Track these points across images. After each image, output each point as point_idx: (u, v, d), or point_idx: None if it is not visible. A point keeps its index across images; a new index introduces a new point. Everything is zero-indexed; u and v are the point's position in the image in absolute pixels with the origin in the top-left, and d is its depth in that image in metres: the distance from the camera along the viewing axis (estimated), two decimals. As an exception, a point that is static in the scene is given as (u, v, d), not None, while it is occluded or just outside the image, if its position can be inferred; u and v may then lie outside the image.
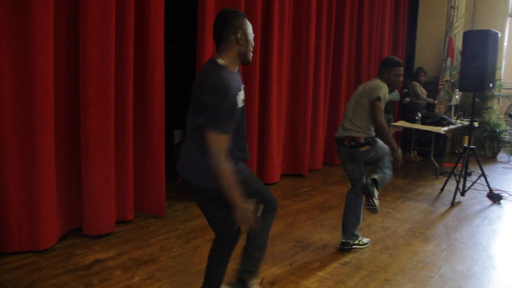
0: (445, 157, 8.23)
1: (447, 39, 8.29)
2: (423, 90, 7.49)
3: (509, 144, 8.33)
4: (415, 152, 7.80)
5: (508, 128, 8.56)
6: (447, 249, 3.86)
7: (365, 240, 3.86)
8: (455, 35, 8.33)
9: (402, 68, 3.62)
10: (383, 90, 3.53)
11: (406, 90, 7.66)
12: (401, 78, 3.66)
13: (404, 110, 7.82)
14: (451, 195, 5.34)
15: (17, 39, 3.14)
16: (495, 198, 5.41)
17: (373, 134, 3.63)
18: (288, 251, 3.67)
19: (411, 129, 6.82)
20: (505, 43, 8.71)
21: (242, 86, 2.24)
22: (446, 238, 4.13)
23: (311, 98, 6.24)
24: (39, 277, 3.02)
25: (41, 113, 3.26)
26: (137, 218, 4.22)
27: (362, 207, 3.78)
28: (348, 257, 3.59)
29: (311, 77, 6.15)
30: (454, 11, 8.42)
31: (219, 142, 2.04)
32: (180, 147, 2.38)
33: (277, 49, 5.52)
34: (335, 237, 4.00)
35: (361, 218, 3.81)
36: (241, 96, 2.18)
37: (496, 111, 8.53)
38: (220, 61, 2.17)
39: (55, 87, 3.39)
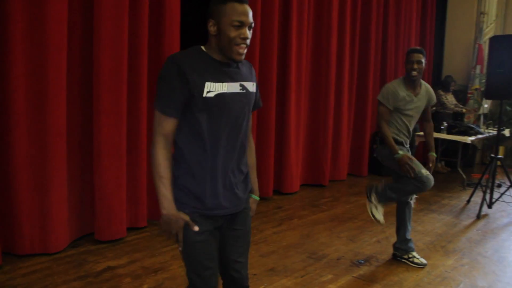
0: (475, 167, 7.97)
1: (477, 46, 8.06)
2: (449, 99, 7.26)
3: (543, 155, 8.00)
4: (443, 162, 7.57)
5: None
6: (468, 263, 3.70)
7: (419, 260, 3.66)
8: (484, 42, 8.08)
9: (416, 55, 3.45)
10: (383, 91, 3.56)
11: (432, 99, 7.45)
12: (415, 66, 3.44)
13: (431, 119, 7.60)
14: (478, 207, 5.13)
15: (31, 49, 3.23)
16: (525, 211, 5.18)
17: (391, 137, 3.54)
18: (301, 262, 3.60)
19: (437, 139, 6.60)
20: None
21: (233, 82, 1.84)
22: (469, 252, 3.96)
23: (333, 107, 6.14)
24: (50, 283, 3.06)
25: (54, 120, 3.35)
26: (153, 227, 4.23)
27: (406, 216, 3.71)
28: (362, 270, 3.49)
29: (332, 85, 6.06)
30: (483, 17, 8.18)
31: (157, 122, 1.79)
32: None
33: (296, 54, 5.46)
34: (351, 249, 3.91)
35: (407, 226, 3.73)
36: (213, 86, 1.76)
37: (530, 120, 8.21)
38: (203, 48, 1.85)
39: (68, 96, 3.47)
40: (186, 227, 1.82)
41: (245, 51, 1.79)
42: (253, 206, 2.08)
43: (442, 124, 6.37)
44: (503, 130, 6.30)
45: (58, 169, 3.41)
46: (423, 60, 3.46)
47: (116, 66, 3.60)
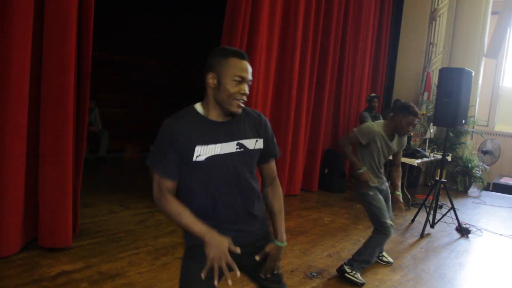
0: (418, 188, 8.37)
1: (425, 74, 8.53)
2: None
3: (480, 180, 8.52)
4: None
5: (480, 164, 8.76)
6: (413, 279, 3.92)
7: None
8: (432, 71, 8.57)
9: (416, 119, 3.69)
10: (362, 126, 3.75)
11: (383, 121, 7.77)
12: (411, 129, 3.73)
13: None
14: (421, 226, 5.43)
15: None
16: (463, 231, 5.52)
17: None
18: (256, 273, 3.68)
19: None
20: (480, 81, 8.98)
21: (224, 143, 1.84)
22: (413, 268, 4.19)
23: (292, 124, 6.31)
24: (1, 287, 2.97)
25: (14, 120, 3.25)
26: (108, 232, 4.20)
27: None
28: (315, 282, 3.61)
29: (293, 102, 6.22)
30: (433, 47, 8.69)
31: (154, 182, 1.84)
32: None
33: (264, 73, 5.57)
34: (304, 261, 4.03)
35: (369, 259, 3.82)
36: (203, 150, 1.79)
37: (469, 147, 8.75)
38: (198, 107, 1.86)
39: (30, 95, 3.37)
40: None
41: (243, 104, 1.82)
42: (274, 252, 1.98)
43: (391, 146, 6.68)
44: (448, 155, 6.68)
45: (16, 171, 3.32)
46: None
47: (62, 67, 3.48)
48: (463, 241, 5.31)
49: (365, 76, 8.29)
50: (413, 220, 5.92)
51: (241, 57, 1.79)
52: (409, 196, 6.80)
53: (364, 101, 8.17)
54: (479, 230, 5.80)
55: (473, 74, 5.57)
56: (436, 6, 8.78)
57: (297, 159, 6.60)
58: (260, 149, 1.95)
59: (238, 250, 1.79)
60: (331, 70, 7.18)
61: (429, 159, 6.80)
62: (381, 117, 7.46)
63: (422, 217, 5.78)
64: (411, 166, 6.73)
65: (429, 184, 8.82)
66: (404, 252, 4.66)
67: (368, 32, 8.16)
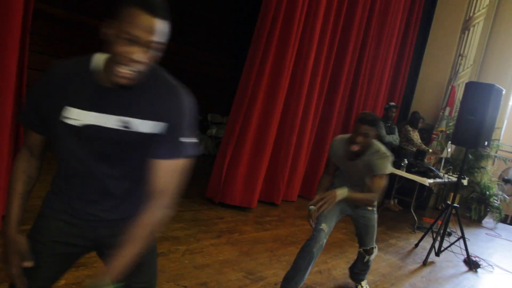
0: (426, 211, 7.85)
1: (450, 87, 7.96)
2: (415, 137, 7.08)
3: (497, 210, 7.90)
4: (395, 200, 7.38)
5: (500, 193, 8.15)
6: (408, 313, 3.46)
7: None
8: (458, 85, 7.99)
9: (362, 126, 2.90)
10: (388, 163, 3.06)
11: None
12: (359, 139, 2.90)
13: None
14: (425, 253, 4.93)
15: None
16: (472, 265, 5.00)
17: None
18: (236, 281, 3.27)
19: (394, 175, 6.36)
20: (510, 102, 8.37)
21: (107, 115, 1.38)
22: (410, 300, 3.73)
23: (298, 125, 5.85)
24: None
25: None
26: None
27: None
28: (297, 302, 3.17)
29: (301, 104, 5.75)
30: (462, 59, 8.10)
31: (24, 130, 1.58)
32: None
33: (278, 72, 5.18)
34: (289, 276, 3.59)
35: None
36: (74, 114, 1.37)
37: (489, 173, 8.15)
38: (96, 58, 1.39)
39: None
40: None
41: (133, 75, 1.30)
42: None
43: (403, 161, 6.18)
44: (464, 178, 6.13)
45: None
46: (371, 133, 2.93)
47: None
48: (470, 275, 4.80)
49: (384, 83, 7.72)
50: (417, 245, 5.40)
51: (146, 8, 1.25)
52: (415, 218, 6.28)
53: (379, 110, 7.63)
54: (490, 265, 5.27)
55: (503, 92, 5.03)
56: (471, 14, 8.18)
57: (299, 163, 6.13)
58: (146, 135, 1.42)
59: (29, 264, 1.47)
60: (347, 74, 6.64)
61: (443, 180, 6.28)
62: (396, 129, 6.95)
63: (427, 242, 5.28)
64: (422, 186, 6.22)
65: (440, 207, 8.25)
66: (402, 279, 4.19)
67: (393, 36, 7.59)
